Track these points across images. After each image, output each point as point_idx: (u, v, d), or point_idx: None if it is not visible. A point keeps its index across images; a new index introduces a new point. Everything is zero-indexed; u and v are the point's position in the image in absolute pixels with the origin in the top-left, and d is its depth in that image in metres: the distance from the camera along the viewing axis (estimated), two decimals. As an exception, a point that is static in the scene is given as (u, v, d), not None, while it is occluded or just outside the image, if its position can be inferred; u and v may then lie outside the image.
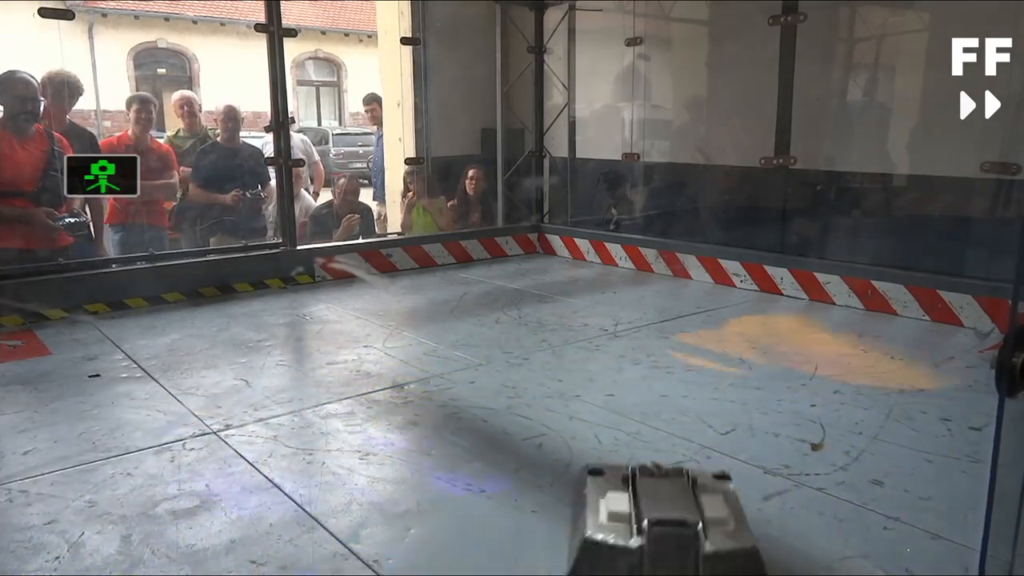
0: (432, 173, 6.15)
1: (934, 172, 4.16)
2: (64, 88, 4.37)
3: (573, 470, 2.32)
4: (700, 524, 1.53)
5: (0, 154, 4.01)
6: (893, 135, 4.35)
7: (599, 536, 1.54)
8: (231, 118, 5.21)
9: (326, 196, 6.42)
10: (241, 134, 5.32)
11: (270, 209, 5.33)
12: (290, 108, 4.87)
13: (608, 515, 1.57)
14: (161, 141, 5.14)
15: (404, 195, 6.24)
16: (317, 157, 6.60)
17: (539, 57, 6.08)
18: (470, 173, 6.04)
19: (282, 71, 4.72)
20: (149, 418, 2.72)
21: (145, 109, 4.81)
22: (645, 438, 2.53)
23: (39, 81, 4.21)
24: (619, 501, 1.59)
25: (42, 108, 4.18)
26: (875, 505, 2.08)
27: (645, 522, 1.53)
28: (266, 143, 5.12)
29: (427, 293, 4.81)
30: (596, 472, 1.71)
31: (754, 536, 1.57)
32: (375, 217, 6.71)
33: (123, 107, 5.10)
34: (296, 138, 6.23)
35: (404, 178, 6.21)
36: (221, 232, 5.03)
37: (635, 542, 1.52)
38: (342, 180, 6.09)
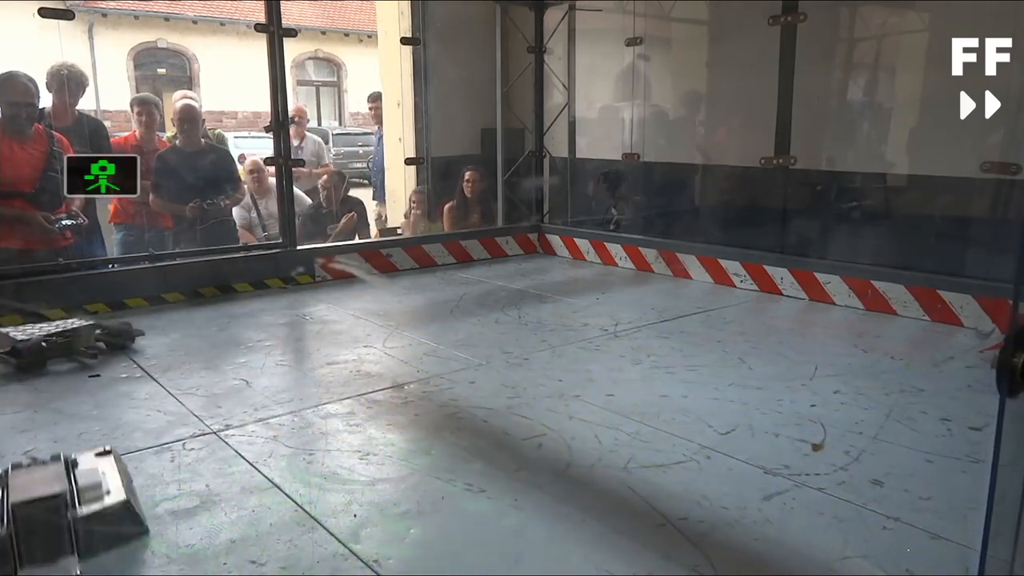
0: (433, 175, 6.14)
1: (934, 172, 4.16)
2: (70, 81, 4.34)
3: (573, 470, 2.32)
4: (70, 495, 1.70)
5: None
6: (893, 135, 4.35)
7: None
8: (187, 118, 4.78)
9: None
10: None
11: (271, 206, 5.31)
12: (290, 108, 4.86)
13: None
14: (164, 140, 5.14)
15: (407, 215, 6.21)
16: (328, 160, 6.57)
17: (539, 57, 6.07)
18: (466, 175, 6.03)
19: (282, 71, 4.71)
20: (149, 418, 2.72)
21: (147, 111, 4.78)
22: (645, 438, 2.53)
23: (44, 77, 4.21)
24: None
25: (41, 107, 4.18)
26: (875, 505, 2.08)
27: (9, 508, 1.65)
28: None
29: (427, 293, 4.81)
30: None
31: (132, 494, 1.90)
32: (375, 217, 6.73)
33: (123, 107, 5.04)
34: (310, 138, 6.23)
35: (411, 198, 6.17)
36: (185, 243, 4.74)
37: (2, 531, 1.62)
38: (324, 176, 6.10)
